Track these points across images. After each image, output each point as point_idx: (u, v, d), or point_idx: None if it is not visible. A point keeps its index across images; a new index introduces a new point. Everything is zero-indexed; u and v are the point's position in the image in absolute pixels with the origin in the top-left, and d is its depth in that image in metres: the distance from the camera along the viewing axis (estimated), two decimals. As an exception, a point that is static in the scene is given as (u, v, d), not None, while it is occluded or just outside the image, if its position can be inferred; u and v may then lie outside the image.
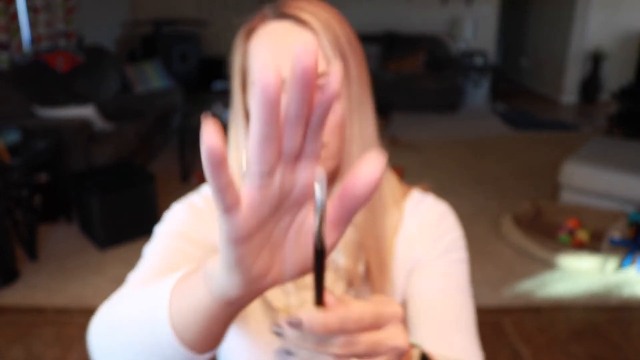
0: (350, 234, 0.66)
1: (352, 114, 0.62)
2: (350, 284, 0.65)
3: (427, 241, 0.69)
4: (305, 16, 0.59)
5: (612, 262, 2.47)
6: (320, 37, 0.58)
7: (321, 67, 0.58)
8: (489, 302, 2.29)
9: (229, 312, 0.37)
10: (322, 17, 0.59)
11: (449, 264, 0.68)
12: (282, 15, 0.60)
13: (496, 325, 2.14)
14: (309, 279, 0.64)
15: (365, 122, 0.63)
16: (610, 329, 2.12)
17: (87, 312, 2.19)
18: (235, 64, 0.64)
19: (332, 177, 0.65)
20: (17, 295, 2.31)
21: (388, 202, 0.69)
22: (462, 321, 0.64)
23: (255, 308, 0.67)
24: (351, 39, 0.62)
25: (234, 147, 0.67)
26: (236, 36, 0.63)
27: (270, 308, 0.66)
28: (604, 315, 2.21)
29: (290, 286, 0.66)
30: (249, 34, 0.62)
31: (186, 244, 0.65)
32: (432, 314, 0.64)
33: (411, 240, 0.70)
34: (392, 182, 0.72)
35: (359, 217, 0.65)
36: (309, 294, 0.64)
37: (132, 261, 2.60)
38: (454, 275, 0.68)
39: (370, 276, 0.66)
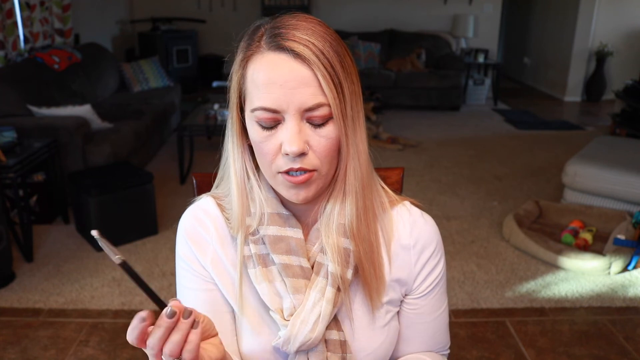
0: (340, 241, 0.71)
1: (346, 134, 0.66)
2: (339, 288, 0.71)
3: (418, 266, 0.79)
4: (300, 49, 0.62)
5: (616, 263, 2.44)
6: (314, 69, 0.62)
7: (316, 99, 0.63)
8: (492, 303, 2.27)
9: None
10: (316, 48, 0.63)
11: (436, 297, 0.81)
12: (279, 47, 0.63)
13: (500, 326, 2.11)
14: (300, 283, 0.71)
15: (358, 136, 0.68)
16: (614, 330, 2.09)
17: (84, 314, 2.16)
18: (233, 85, 0.69)
19: (322, 194, 0.72)
20: (12, 297, 2.28)
21: (377, 210, 0.75)
22: (442, 330, 0.84)
23: (254, 309, 0.74)
24: (343, 60, 0.65)
25: (231, 159, 0.73)
26: (235, 62, 0.69)
27: (266, 309, 0.73)
28: (609, 317, 2.18)
29: (283, 290, 0.71)
30: (247, 60, 0.67)
31: (202, 285, 0.77)
32: (421, 334, 0.82)
33: (406, 256, 0.78)
34: (380, 190, 0.77)
35: (350, 221, 0.71)
36: (300, 297, 0.71)
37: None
38: (439, 303, 0.82)
39: (365, 280, 0.73)
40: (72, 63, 3.97)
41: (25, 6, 3.85)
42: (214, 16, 6.53)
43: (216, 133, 3.66)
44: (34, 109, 3.16)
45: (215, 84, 4.86)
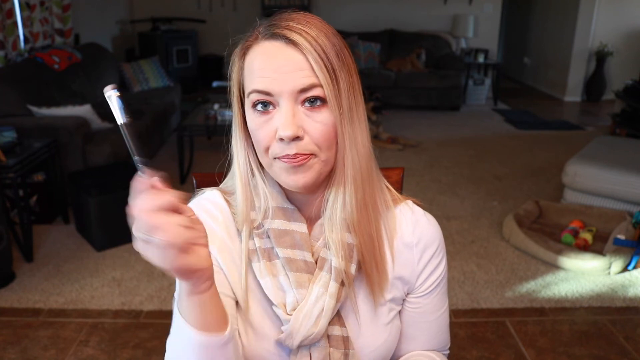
0: (344, 235, 0.72)
1: (342, 122, 0.67)
2: (342, 283, 0.71)
3: (421, 264, 0.79)
4: (293, 36, 0.64)
5: (616, 263, 2.44)
6: (307, 55, 0.64)
7: (310, 80, 0.64)
8: (492, 303, 2.27)
9: (196, 298, 0.58)
10: (309, 36, 0.65)
11: (438, 297, 0.82)
12: (274, 35, 0.65)
13: (500, 326, 2.11)
14: (303, 278, 0.71)
15: (357, 129, 0.69)
16: (614, 330, 2.09)
17: (84, 314, 2.16)
18: (233, 78, 0.71)
19: (323, 181, 0.72)
20: (12, 297, 2.28)
21: (380, 207, 0.75)
22: (443, 329, 0.85)
23: (259, 303, 0.74)
24: (340, 52, 0.67)
25: (235, 153, 0.74)
26: (234, 53, 0.71)
27: (269, 303, 0.73)
28: (609, 317, 2.18)
29: (286, 285, 0.71)
30: (245, 51, 0.69)
31: None
32: (424, 333, 0.83)
33: (409, 254, 0.78)
34: (383, 187, 0.77)
35: (350, 212, 0.71)
36: (303, 291, 0.71)
37: (129, 263, 2.58)
38: (440, 303, 0.83)
39: (367, 274, 0.73)
40: (72, 63, 3.97)
41: (25, 6, 3.85)
42: (214, 16, 6.53)
43: (216, 133, 3.66)
44: (34, 109, 3.16)
45: (215, 84, 4.86)
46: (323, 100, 0.65)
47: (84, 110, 3.24)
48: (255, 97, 0.66)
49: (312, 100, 0.65)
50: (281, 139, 0.65)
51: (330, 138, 0.67)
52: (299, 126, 0.65)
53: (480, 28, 6.36)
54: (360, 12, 6.45)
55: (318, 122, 0.65)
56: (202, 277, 0.57)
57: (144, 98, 4.41)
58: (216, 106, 3.74)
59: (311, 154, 0.66)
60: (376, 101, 4.43)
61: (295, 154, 0.65)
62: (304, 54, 0.64)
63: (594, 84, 6.39)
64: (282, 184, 0.70)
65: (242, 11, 6.53)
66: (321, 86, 0.64)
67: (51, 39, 4.25)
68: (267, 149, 0.67)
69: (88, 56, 4.26)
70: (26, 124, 2.90)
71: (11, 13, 3.62)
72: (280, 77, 0.64)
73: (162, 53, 5.84)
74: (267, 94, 0.65)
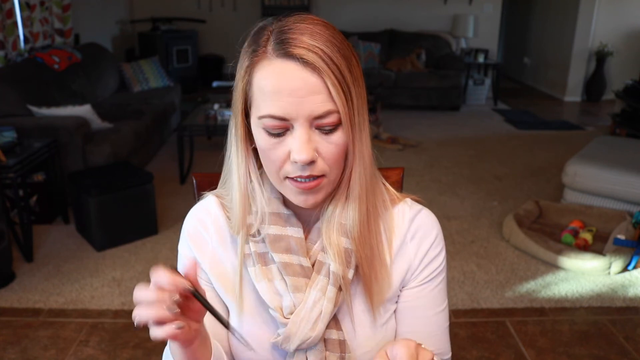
0: (341, 240, 0.71)
1: (354, 141, 0.66)
2: (340, 288, 0.71)
3: (418, 256, 0.78)
4: (310, 57, 0.60)
5: (616, 263, 2.44)
6: (324, 77, 0.61)
7: (326, 107, 0.62)
8: (492, 303, 2.27)
9: (187, 350, 0.62)
10: (325, 55, 0.61)
11: (434, 292, 0.79)
12: (287, 54, 0.61)
13: (500, 326, 2.11)
14: (300, 282, 0.71)
15: (364, 141, 0.68)
16: (614, 330, 2.09)
17: (84, 314, 2.16)
18: (238, 91, 0.67)
19: (328, 198, 0.72)
20: (12, 297, 2.29)
21: (379, 209, 0.75)
22: (440, 331, 0.80)
23: (253, 307, 0.74)
24: (350, 63, 0.64)
25: (235, 164, 0.72)
26: (240, 66, 0.67)
27: (264, 307, 0.73)
28: (609, 317, 2.19)
29: (282, 289, 0.71)
30: (253, 66, 0.64)
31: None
32: (419, 329, 0.78)
33: (406, 249, 0.78)
34: (382, 189, 0.77)
35: (352, 226, 0.71)
36: (300, 295, 0.71)
37: (129, 263, 2.58)
38: (438, 300, 0.79)
39: (366, 285, 0.73)
40: (72, 63, 3.97)
41: (25, 6, 3.85)
42: (214, 16, 6.53)
43: (216, 133, 3.66)
44: (34, 109, 3.16)
45: (215, 84, 4.85)
46: (338, 124, 0.64)
47: (84, 110, 3.24)
48: (269, 122, 0.63)
49: (326, 125, 0.64)
50: (295, 162, 0.64)
51: (341, 157, 0.67)
52: (314, 149, 0.64)
53: (480, 28, 6.35)
54: (360, 12, 6.45)
55: (332, 144, 0.65)
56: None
57: (144, 98, 4.41)
58: (216, 106, 3.74)
59: (322, 176, 0.66)
60: (369, 103, 4.42)
61: (309, 175, 0.65)
62: (321, 77, 0.61)
63: (594, 84, 6.39)
64: (289, 200, 0.70)
65: (242, 11, 6.53)
66: (337, 112, 0.63)
67: (51, 39, 4.25)
68: (278, 170, 0.66)
69: (88, 56, 4.26)
70: (26, 124, 2.90)
71: (11, 13, 3.62)
72: (296, 101, 0.61)
73: (162, 53, 5.84)
74: (283, 119, 0.63)
